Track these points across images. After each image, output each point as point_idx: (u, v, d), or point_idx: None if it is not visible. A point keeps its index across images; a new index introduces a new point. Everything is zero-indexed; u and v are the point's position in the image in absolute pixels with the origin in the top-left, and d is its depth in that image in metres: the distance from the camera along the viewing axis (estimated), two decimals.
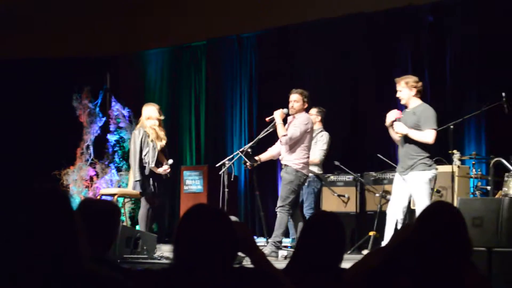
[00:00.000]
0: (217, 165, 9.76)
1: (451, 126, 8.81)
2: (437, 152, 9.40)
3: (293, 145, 8.85)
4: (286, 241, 9.49)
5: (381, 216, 9.67)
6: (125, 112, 13.18)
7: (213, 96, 13.38)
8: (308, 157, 8.93)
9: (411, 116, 8.04)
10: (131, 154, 9.51)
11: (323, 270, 3.53)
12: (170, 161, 9.62)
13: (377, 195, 9.95)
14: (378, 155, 9.99)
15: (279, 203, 8.78)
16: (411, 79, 8.15)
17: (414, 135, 7.97)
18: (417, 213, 7.75)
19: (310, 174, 9.81)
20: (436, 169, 8.04)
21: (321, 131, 10.15)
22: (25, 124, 13.59)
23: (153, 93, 14.07)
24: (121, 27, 13.60)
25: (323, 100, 10.49)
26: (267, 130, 9.42)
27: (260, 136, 9.52)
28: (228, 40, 13.18)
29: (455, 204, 7.72)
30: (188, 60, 13.76)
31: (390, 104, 11.09)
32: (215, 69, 13.39)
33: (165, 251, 8.84)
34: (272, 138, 9.42)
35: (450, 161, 9.14)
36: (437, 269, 3.01)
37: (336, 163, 10.24)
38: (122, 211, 11.77)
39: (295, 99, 8.94)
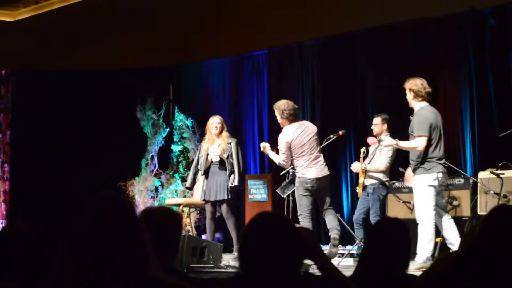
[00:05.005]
0: (281, 173, 9.76)
1: None
2: (503, 157, 9.28)
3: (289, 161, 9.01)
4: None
5: None
6: (189, 122, 13.29)
7: None
8: (308, 161, 8.85)
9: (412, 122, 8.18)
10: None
11: (390, 275, 3.50)
12: None
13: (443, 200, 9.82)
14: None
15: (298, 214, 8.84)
16: (412, 81, 8.19)
17: (403, 145, 8.14)
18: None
19: (375, 181, 9.76)
20: (438, 172, 8.06)
21: None
22: (91, 135, 13.75)
23: (215, 103, 14.13)
24: (183, 38, 13.71)
25: (392, 108, 10.40)
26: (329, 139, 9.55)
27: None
28: (290, 48, 13.14)
29: None
30: (250, 69, 13.78)
31: (460, 109, 11.01)
32: (277, 78, 13.37)
33: (230, 260, 8.87)
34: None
35: None
36: (503, 273, 2.96)
37: (401, 169, 10.10)
38: (188, 221, 11.85)
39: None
